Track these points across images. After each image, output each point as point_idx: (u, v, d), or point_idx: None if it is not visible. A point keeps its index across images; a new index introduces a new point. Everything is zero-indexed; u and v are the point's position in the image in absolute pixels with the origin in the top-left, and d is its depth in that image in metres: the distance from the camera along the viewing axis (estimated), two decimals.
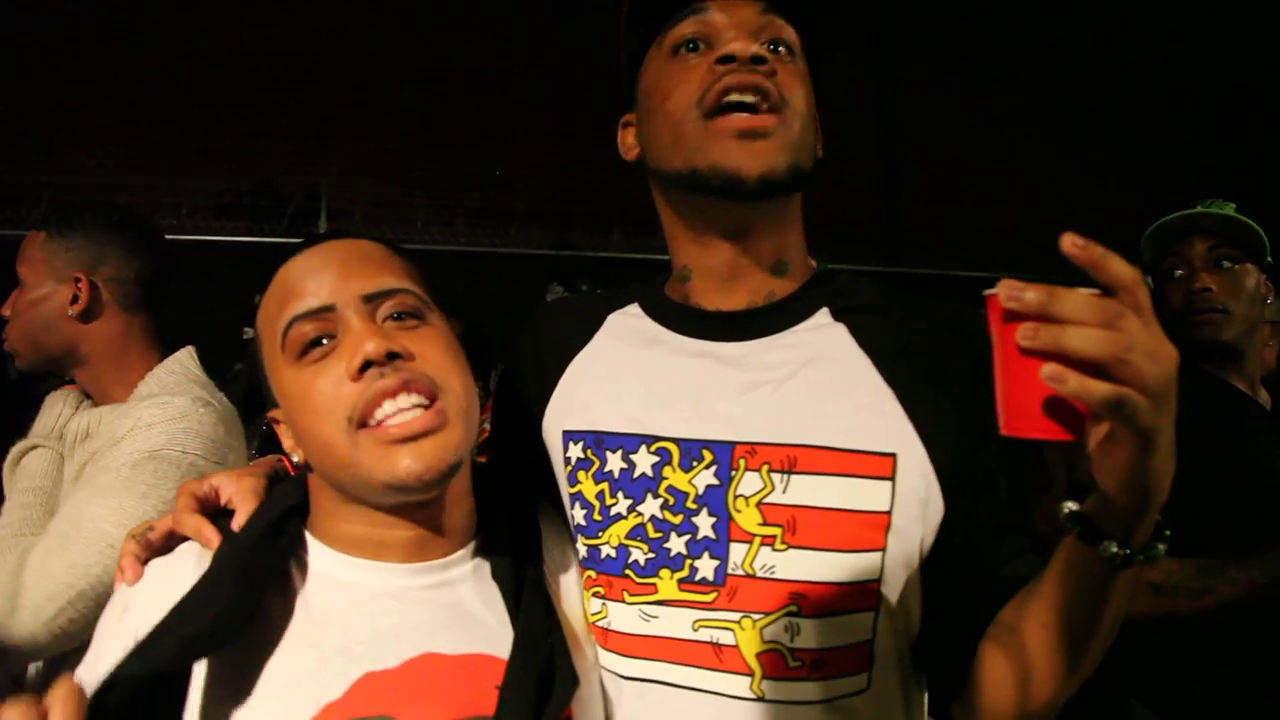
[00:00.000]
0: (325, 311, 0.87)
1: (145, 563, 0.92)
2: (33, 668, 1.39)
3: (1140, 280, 0.61)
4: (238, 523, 0.92)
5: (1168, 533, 0.72)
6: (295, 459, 0.91)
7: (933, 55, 5.03)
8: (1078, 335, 0.60)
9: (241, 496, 0.95)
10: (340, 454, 0.84)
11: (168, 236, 1.64)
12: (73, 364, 1.48)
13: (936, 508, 0.91)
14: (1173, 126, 5.26)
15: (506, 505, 0.99)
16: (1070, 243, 0.61)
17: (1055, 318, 0.61)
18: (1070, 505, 0.74)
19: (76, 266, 1.45)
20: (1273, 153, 5.08)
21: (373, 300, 0.88)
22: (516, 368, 1.15)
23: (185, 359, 1.51)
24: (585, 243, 4.47)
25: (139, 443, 1.33)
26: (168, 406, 1.37)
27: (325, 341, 0.86)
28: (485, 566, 0.94)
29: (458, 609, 0.90)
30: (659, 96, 0.98)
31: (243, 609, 0.82)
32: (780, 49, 0.97)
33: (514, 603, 0.90)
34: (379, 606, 0.88)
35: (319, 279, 0.88)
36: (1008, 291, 0.62)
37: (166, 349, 1.55)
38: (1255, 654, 1.63)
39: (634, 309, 1.09)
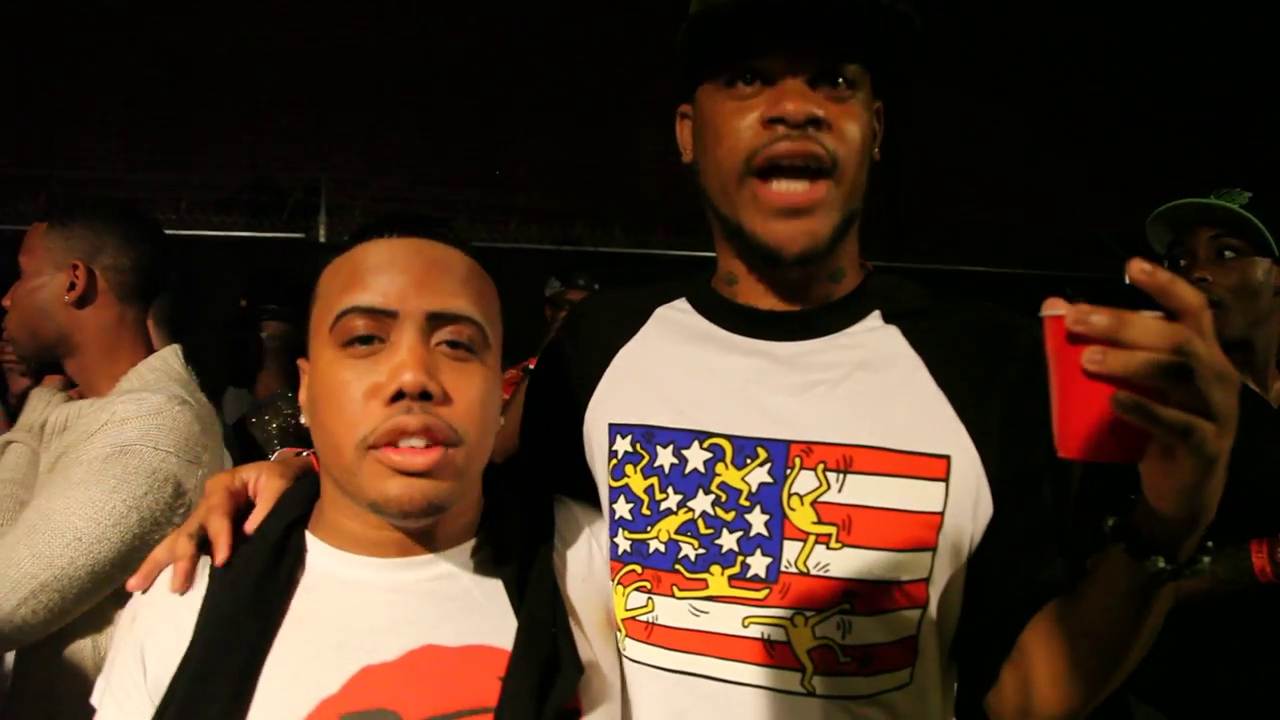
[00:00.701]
0: (385, 315, 0.84)
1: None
2: (9, 660, 1.39)
3: (1205, 305, 0.61)
4: (252, 524, 0.93)
5: (1210, 543, 0.72)
6: (302, 419, 0.91)
7: (935, 54, 5.02)
8: (1147, 362, 0.60)
9: (265, 498, 0.96)
10: (346, 461, 0.84)
11: (167, 231, 1.66)
12: (65, 352, 1.49)
13: (986, 508, 0.92)
14: (1173, 126, 5.25)
15: (517, 498, 0.99)
16: (1139, 269, 0.61)
17: (1124, 342, 0.60)
18: (1118, 521, 0.75)
19: (75, 254, 1.47)
20: (1274, 154, 5.07)
21: (436, 320, 0.85)
22: (552, 363, 1.15)
23: (170, 356, 1.51)
24: (586, 238, 4.47)
25: (111, 437, 1.32)
26: (143, 402, 1.37)
27: (374, 342, 0.84)
28: (490, 559, 0.93)
29: (459, 601, 0.90)
30: (712, 136, 0.97)
31: (256, 655, 0.83)
32: (841, 84, 0.93)
33: (517, 594, 0.89)
34: (379, 601, 0.88)
35: (392, 277, 0.85)
36: (1075, 315, 0.62)
37: (166, 343, 1.55)
38: (1255, 649, 1.64)
39: (682, 304, 1.09)
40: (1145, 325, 0.60)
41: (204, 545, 0.92)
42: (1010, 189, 4.98)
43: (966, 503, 0.91)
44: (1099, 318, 0.61)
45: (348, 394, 0.83)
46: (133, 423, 1.34)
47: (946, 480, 0.90)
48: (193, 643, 0.84)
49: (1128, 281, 0.62)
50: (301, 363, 0.94)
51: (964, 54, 5.11)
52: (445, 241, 0.91)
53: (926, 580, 0.90)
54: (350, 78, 4.48)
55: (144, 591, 0.91)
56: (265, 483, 0.98)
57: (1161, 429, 0.61)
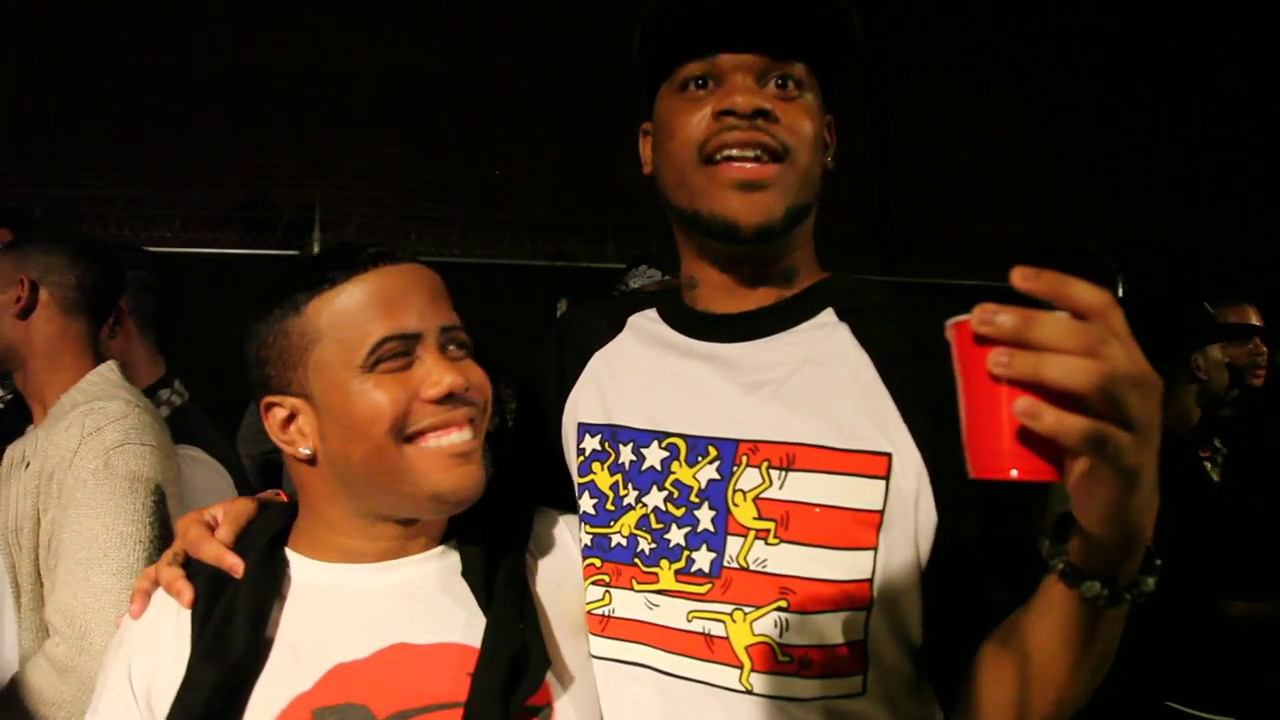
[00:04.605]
0: (412, 338, 0.92)
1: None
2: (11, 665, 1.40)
3: (1112, 302, 0.56)
4: (220, 535, 0.98)
5: (1158, 562, 0.68)
6: (305, 451, 0.94)
7: (927, 66, 5.06)
8: (1057, 364, 0.54)
9: (229, 517, 1.01)
10: (390, 460, 0.90)
11: (161, 249, 1.76)
12: (14, 364, 1.59)
13: (929, 513, 0.91)
14: (1168, 137, 5.29)
15: (485, 503, 1.02)
16: (1021, 277, 0.55)
17: (1032, 344, 0.55)
18: (1051, 543, 0.71)
19: (24, 272, 1.58)
20: (1272, 164, 5.11)
21: (446, 332, 0.95)
22: (538, 370, 1.20)
23: (107, 372, 1.58)
24: (580, 253, 4.48)
25: (95, 447, 1.37)
26: (106, 410, 1.43)
27: (402, 357, 0.92)
28: (459, 561, 0.98)
29: (430, 602, 0.94)
30: (666, 134, 1.01)
31: (243, 662, 0.87)
32: (789, 83, 0.98)
33: (485, 595, 0.93)
34: (352, 604, 0.93)
35: (409, 302, 0.93)
36: (981, 315, 0.57)
37: (155, 356, 1.65)
38: None
39: (651, 313, 1.14)
40: (1054, 325, 0.55)
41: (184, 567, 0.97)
42: (1004, 202, 5.01)
43: (908, 503, 0.90)
44: (1005, 317, 0.56)
45: (377, 401, 0.90)
46: (108, 429, 1.40)
47: (886, 478, 0.89)
48: (191, 655, 0.88)
49: (1015, 287, 0.56)
50: (276, 400, 0.95)
51: (957, 66, 5.15)
52: (420, 264, 1.00)
53: (869, 581, 0.89)
54: (344, 95, 4.50)
55: (134, 617, 0.96)
56: (228, 507, 1.03)
57: (1072, 439, 0.55)
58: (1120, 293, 4.77)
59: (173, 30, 4.32)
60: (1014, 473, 0.59)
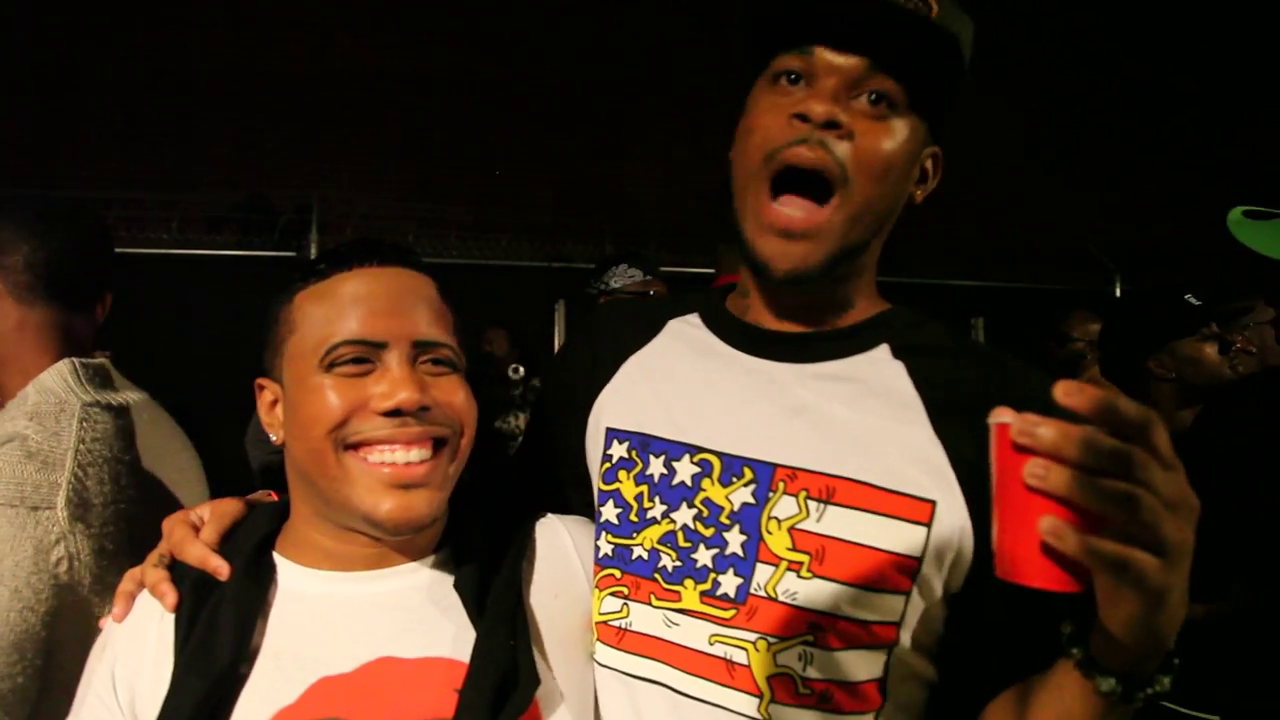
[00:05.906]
0: (375, 346, 0.90)
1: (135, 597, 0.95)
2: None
3: (1155, 421, 0.56)
4: (204, 537, 0.96)
5: (1176, 661, 0.68)
6: (273, 437, 0.95)
7: None
8: (1092, 486, 0.55)
9: (213, 518, 0.99)
10: (328, 466, 0.88)
11: (159, 250, 1.58)
12: None
13: (965, 565, 0.89)
14: (1166, 139, 5.30)
15: (483, 513, 1.01)
16: (1064, 393, 0.55)
17: (1071, 460, 0.55)
18: (1072, 630, 0.70)
19: None
20: (1269, 167, 5.11)
21: (420, 348, 0.91)
22: (562, 368, 1.17)
23: (54, 376, 1.29)
24: (577, 254, 4.48)
25: None
26: None
27: (364, 363, 0.89)
28: (451, 573, 0.95)
29: (419, 613, 0.92)
30: (746, 126, 0.97)
31: (228, 671, 0.86)
32: (882, 102, 0.91)
33: (476, 608, 0.91)
34: (339, 614, 0.91)
35: (376, 307, 0.91)
36: (1021, 425, 0.57)
37: (157, 363, 1.47)
38: None
39: (694, 318, 1.09)
40: (1094, 444, 0.55)
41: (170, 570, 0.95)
42: (1004, 202, 5.01)
43: (948, 553, 0.88)
44: (1046, 430, 0.56)
45: (328, 402, 0.88)
46: None
47: (929, 525, 0.88)
48: (175, 665, 0.86)
49: (1058, 403, 0.56)
50: (264, 383, 0.97)
51: None
52: (414, 268, 0.96)
53: (898, 624, 0.88)
54: (342, 97, 4.50)
55: (118, 620, 0.94)
56: (214, 507, 1.01)
57: (1097, 564, 0.56)
58: (1119, 292, 4.78)
59: (171, 31, 4.31)
60: (1041, 581, 0.60)
